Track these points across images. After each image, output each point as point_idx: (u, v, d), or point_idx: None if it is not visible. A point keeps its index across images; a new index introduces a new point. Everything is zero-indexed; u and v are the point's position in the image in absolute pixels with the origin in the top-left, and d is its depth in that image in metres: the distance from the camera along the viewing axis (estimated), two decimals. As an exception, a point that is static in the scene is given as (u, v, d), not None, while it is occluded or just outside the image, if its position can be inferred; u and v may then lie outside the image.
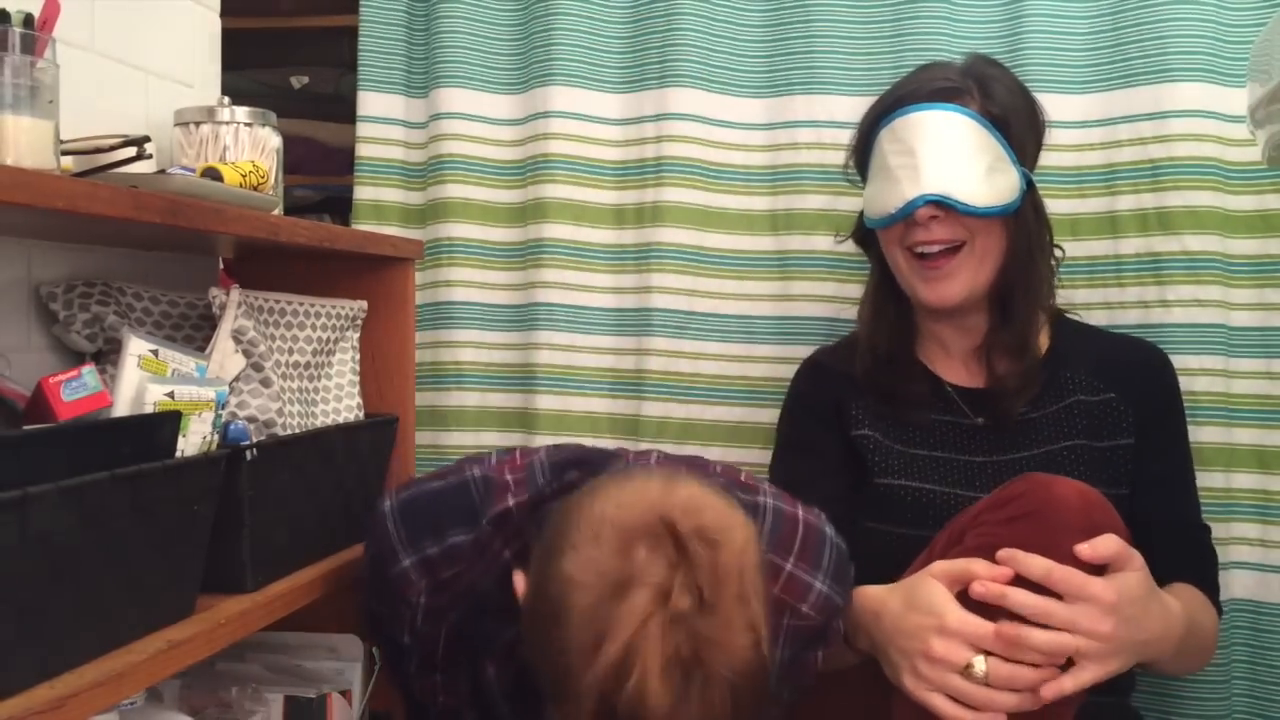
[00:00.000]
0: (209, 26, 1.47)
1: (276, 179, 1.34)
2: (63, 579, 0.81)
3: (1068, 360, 1.30)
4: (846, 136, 1.53)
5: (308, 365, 1.27)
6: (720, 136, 1.60)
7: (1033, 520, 0.99)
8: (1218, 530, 1.34)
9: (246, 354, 1.15)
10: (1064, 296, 1.39)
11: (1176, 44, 1.45)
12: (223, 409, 1.03)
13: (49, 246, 1.15)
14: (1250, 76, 1.00)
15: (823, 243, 1.56)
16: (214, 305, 1.15)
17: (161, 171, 1.19)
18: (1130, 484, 1.26)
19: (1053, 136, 1.36)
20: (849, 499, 1.28)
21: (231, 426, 1.08)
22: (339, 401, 1.32)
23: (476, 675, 1.06)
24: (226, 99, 1.33)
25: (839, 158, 1.54)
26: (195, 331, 1.25)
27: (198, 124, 1.31)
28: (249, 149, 1.31)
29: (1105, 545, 0.99)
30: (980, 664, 0.97)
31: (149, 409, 0.97)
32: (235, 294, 1.15)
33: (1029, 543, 0.99)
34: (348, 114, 1.75)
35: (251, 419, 1.13)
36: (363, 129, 1.68)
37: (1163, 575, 1.16)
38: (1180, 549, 1.27)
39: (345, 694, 1.28)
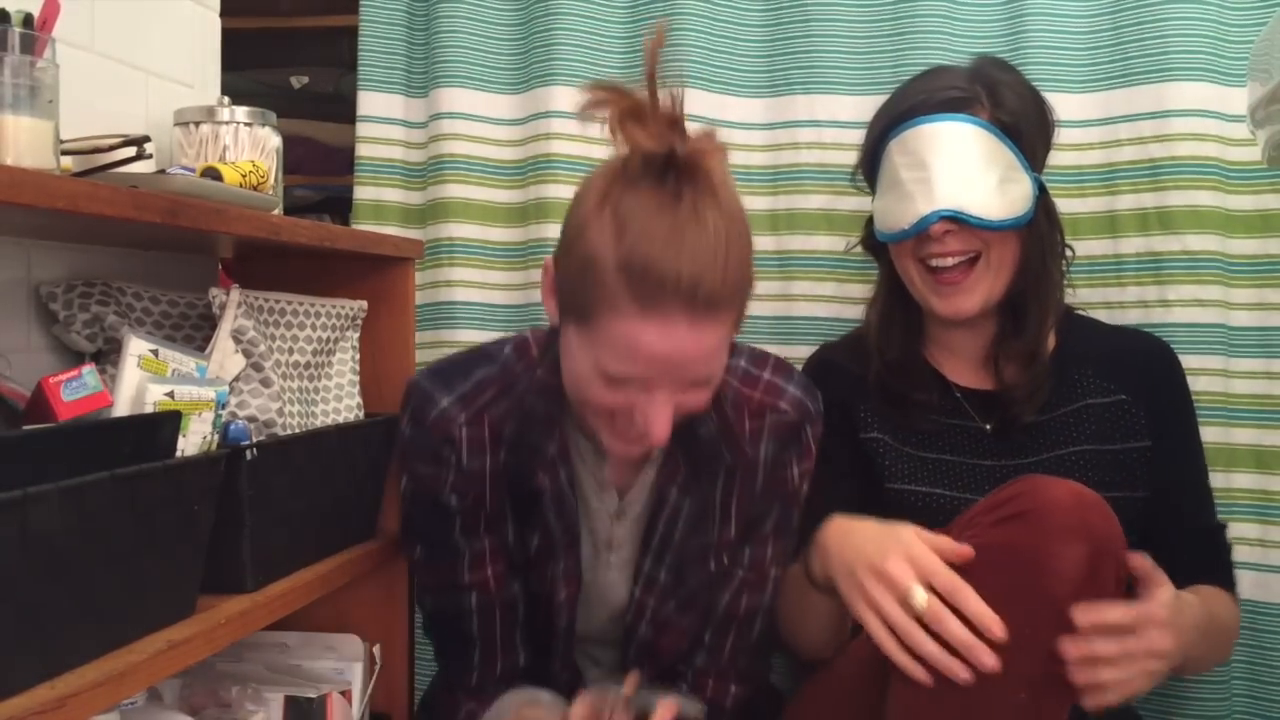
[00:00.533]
0: (209, 26, 1.47)
1: (276, 179, 1.34)
2: (63, 579, 0.81)
3: (1076, 359, 1.30)
4: (848, 136, 1.54)
5: (308, 365, 1.27)
6: (721, 136, 1.59)
7: (1025, 521, 0.99)
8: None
9: (246, 354, 1.15)
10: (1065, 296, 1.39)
11: (1177, 43, 1.45)
12: (223, 409, 1.03)
13: (49, 246, 1.15)
14: (1250, 76, 1.00)
15: (824, 242, 1.56)
16: (214, 305, 1.15)
17: (161, 171, 1.19)
18: (1146, 487, 1.26)
19: (1054, 135, 1.36)
20: (859, 504, 1.27)
21: (231, 426, 1.08)
22: (339, 401, 1.32)
23: (525, 505, 1.14)
24: (226, 99, 1.33)
25: (840, 157, 1.54)
26: (195, 331, 1.25)
27: (197, 124, 1.31)
28: (249, 149, 1.31)
29: (1139, 563, 1.03)
30: (920, 596, 0.98)
31: (149, 409, 0.97)
32: (235, 294, 1.15)
33: (1020, 543, 0.99)
34: (348, 114, 1.75)
35: (251, 419, 1.13)
36: (363, 129, 1.68)
37: (1184, 579, 1.17)
38: (1201, 553, 1.28)
39: (345, 694, 1.28)
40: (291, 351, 1.24)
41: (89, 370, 0.97)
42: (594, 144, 1.62)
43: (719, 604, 1.21)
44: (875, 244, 1.33)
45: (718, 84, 1.60)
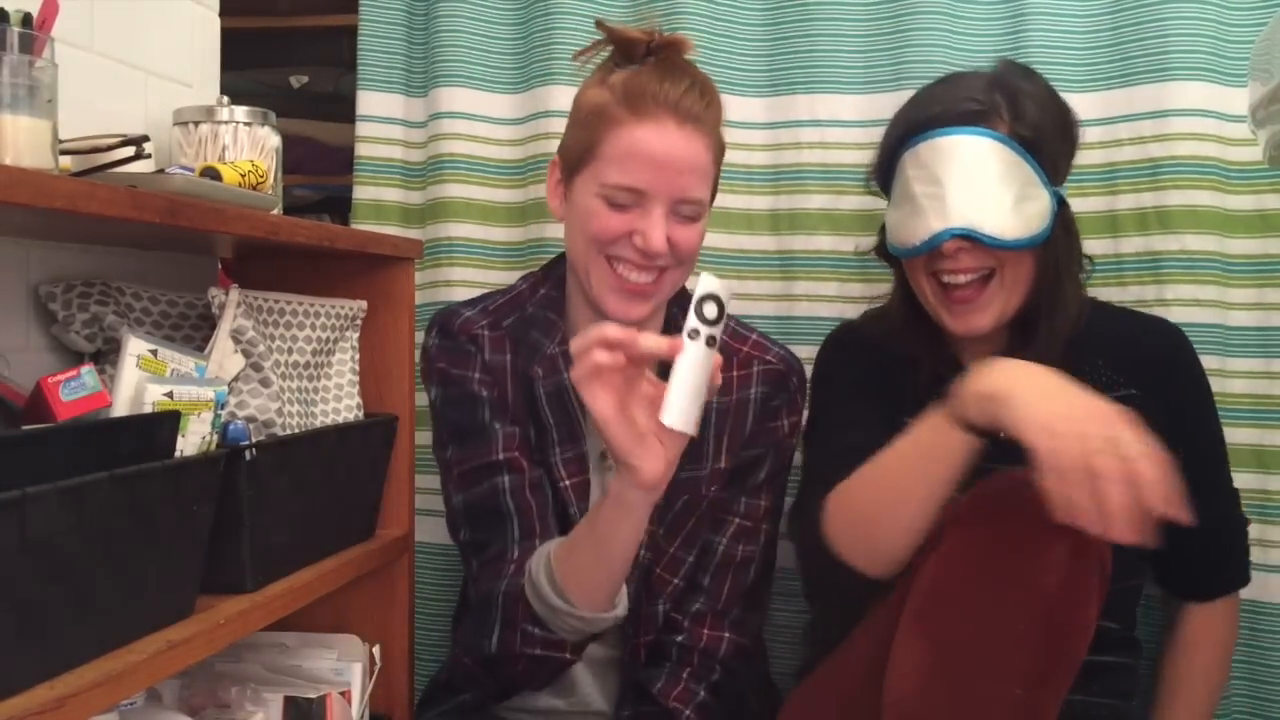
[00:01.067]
0: (208, 26, 1.47)
1: (276, 178, 1.33)
2: (62, 579, 0.81)
3: (1089, 350, 1.26)
4: (849, 135, 1.54)
5: (307, 365, 1.27)
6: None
7: (1011, 516, 0.99)
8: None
9: (246, 354, 1.15)
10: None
11: (1177, 43, 1.45)
12: (222, 409, 1.03)
13: (48, 246, 1.15)
14: (1251, 76, 1.00)
15: (825, 242, 1.56)
16: (213, 305, 1.15)
17: (160, 171, 1.19)
18: None
19: (1078, 142, 1.31)
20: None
21: (231, 426, 1.08)
22: (338, 401, 1.32)
23: (532, 396, 1.27)
24: (226, 98, 1.33)
25: (842, 157, 1.54)
26: (194, 331, 1.25)
27: (197, 123, 1.30)
28: (248, 148, 1.31)
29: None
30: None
31: (148, 409, 0.96)
32: (234, 294, 1.15)
33: (1007, 538, 0.99)
34: (347, 113, 1.75)
35: (251, 419, 1.13)
36: (362, 128, 1.68)
37: (1196, 577, 1.18)
38: (1213, 553, 1.29)
39: (345, 694, 1.28)
40: (291, 351, 1.24)
41: (88, 370, 0.97)
42: (594, 144, 1.62)
43: (715, 547, 1.28)
44: (887, 253, 1.31)
45: (718, 83, 1.56)
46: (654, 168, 1.15)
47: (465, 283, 1.63)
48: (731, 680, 1.28)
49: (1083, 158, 1.49)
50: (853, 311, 1.49)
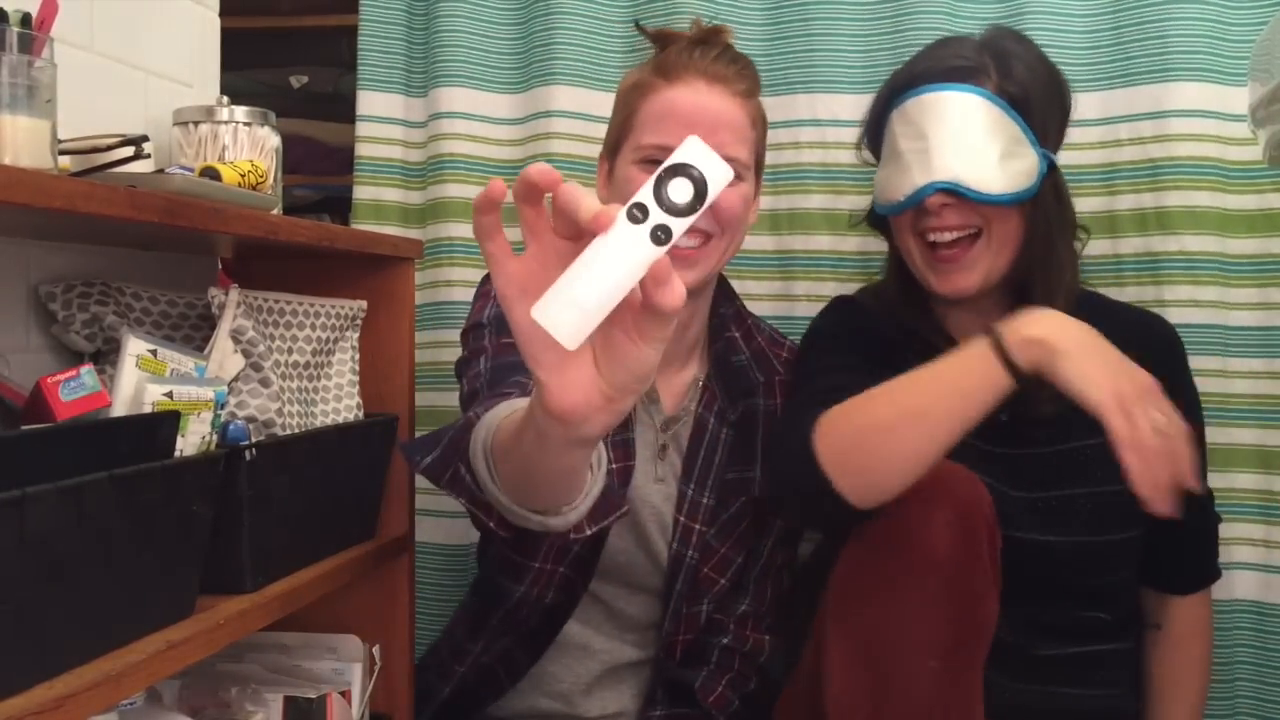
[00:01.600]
0: (208, 26, 1.47)
1: (275, 178, 1.33)
2: (61, 579, 0.81)
3: None
4: (849, 135, 1.54)
5: (307, 365, 1.27)
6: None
7: (897, 501, 1.04)
8: (1221, 530, 1.35)
9: (246, 354, 1.15)
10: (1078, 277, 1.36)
11: (1177, 43, 1.45)
12: (222, 409, 1.03)
13: (47, 246, 1.14)
14: (1251, 76, 1.00)
15: (825, 242, 1.56)
16: (213, 305, 1.15)
17: (160, 171, 1.19)
18: None
19: (1070, 111, 1.31)
20: None
21: (230, 426, 1.07)
22: (338, 401, 1.32)
23: None
24: (225, 98, 1.33)
25: (842, 156, 1.54)
26: (194, 331, 1.25)
27: (196, 123, 1.30)
28: (248, 148, 1.30)
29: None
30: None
31: (148, 409, 0.96)
32: (234, 294, 1.15)
33: (894, 520, 1.04)
34: (347, 113, 1.75)
35: (251, 419, 1.13)
36: (362, 128, 1.68)
37: (1182, 571, 1.25)
38: (1199, 546, 1.31)
39: (345, 694, 1.28)
40: (291, 351, 1.24)
41: (87, 370, 0.97)
42: (594, 144, 1.62)
43: (762, 550, 1.30)
44: (879, 220, 1.31)
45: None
46: (687, 125, 1.12)
47: (465, 283, 1.63)
48: (763, 689, 1.30)
49: (1083, 158, 1.50)
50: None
